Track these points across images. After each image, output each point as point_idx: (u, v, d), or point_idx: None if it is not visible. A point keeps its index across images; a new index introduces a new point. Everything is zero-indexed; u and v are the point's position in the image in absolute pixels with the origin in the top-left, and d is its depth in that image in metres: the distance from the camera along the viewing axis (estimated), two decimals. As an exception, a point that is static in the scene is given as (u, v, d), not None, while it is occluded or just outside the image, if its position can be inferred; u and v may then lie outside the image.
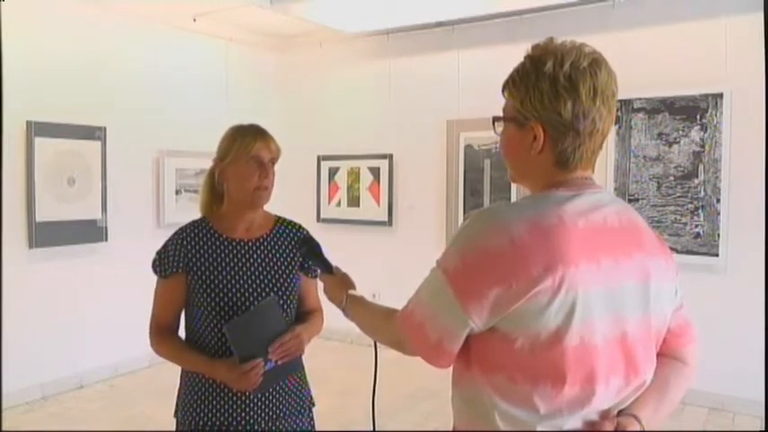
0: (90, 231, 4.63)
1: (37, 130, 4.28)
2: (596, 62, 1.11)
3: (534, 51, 1.14)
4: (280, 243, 1.87)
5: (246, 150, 1.77)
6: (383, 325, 1.30)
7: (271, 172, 1.81)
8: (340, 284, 1.54)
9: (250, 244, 1.83)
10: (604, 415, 1.09)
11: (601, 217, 1.10)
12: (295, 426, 1.84)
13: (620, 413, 1.11)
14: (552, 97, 1.09)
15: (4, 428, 3.70)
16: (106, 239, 4.71)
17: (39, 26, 4.34)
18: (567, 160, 1.12)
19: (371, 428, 1.51)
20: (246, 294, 1.77)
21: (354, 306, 1.45)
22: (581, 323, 1.03)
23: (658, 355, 1.18)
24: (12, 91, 3.40)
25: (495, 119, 1.19)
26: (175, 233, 1.84)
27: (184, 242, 1.80)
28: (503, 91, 1.18)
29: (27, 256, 4.29)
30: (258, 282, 1.80)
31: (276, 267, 1.83)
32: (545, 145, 1.12)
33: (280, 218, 1.94)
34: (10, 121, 4.05)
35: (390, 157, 5.64)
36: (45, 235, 4.34)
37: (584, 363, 1.04)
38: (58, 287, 4.46)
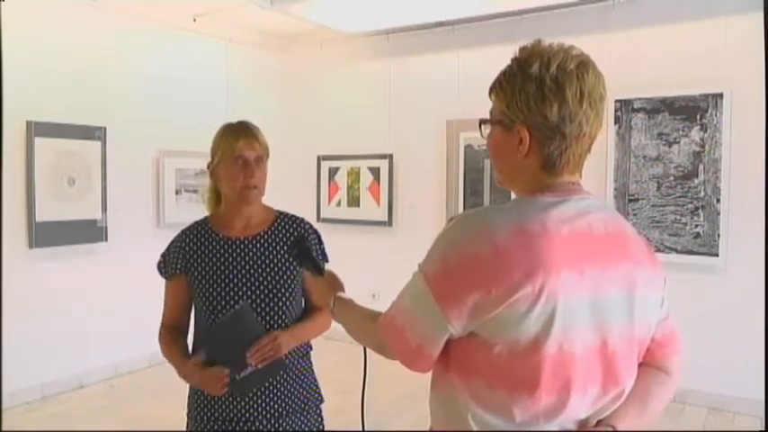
0: (90, 231, 4.63)
1: (37, 130, 4.28)
2: (583, 64, 1.09)
3: (521, 54, 1.12)
4: (279, 238, 1.86)
5: (230, 150, 1.77)
6: (367, 328, 1.29)
7: (257, 170, 1.80)
8: (329, 286, 1.53)
9: (246, 242, 1.83)
10: (582, 424, 1.08)
11: (586, 224, 1.08)
12: (301, 423, 1.84)
13: (598, 423, 1.10)
14: (538, 100, 1.07)
15: (4, 428, 3.70)
16: (106, 239, 4.71)
17: (39, 26, 4.34)
18: (554, 164, 1.11)
19: (361, 428, 1.51)
20: (244, 292, 1.78)
21: (341, 308, 1.43)
22: (560, 331, 1.01)
23: (642, 364, 1.16)
24: (12, 91, 3.40)
25: (482, 121, 1.18)
26: (177, 235, 1.87)
27: (183, 244, 1.83)
28: (489, 94, 1.16)
29: (27, 256, 4.29)
30: (255, 279, 1.80)
31: (275, 263, 1.82)
32: (531, 148, 1.10)
33: (281, 213, 1.92)
34: (10, 121, 4.05)
35: (390, 157, 5.64)
36: (45, 235, 4.34)
37: (561, 371, 1.03)
38: (58, 287, 4.46)
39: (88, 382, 4.64)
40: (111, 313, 4.67)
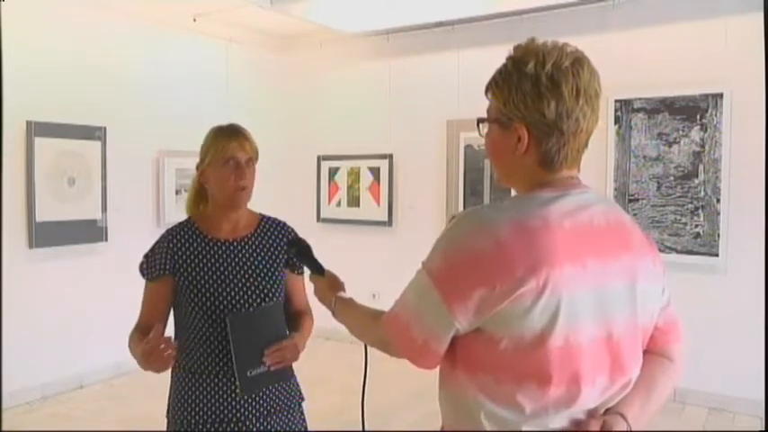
0: (90, 231, 4.63)
1: (37, 130, 4.28)
2: (578, 61, 1.11)
3: (516, 52, 1.13)
4: (265, 241, 1.89)
5: (222, 152, 1.78)
6: (370, 327, 1.30)
7: (248, 172, 1.81)
8: (330, 286, 1.55)
9: (235, 243, 1.85)
10: (591, 414, 1.09)
11: (587, 217, 1.09)
12: (287, 421, 1.85)
13: (606, 411, 1.12)
14: (535, 98, 1.08)
15: (4, 428, 3.70)
16: (106, 239, 4.71)
17: (39, 26, 4.34)
18: (552, 160, 1.12)
19: (362, 428, 1.51)
20: (233, 294, 1.78)
21: (343, 308, 1.45)
22: (566, 324, 1.03)
23: (645, 352, 1.18)
24: (12, 91, 3.40)
25: (480, 120, 1.20)
26: (162, 236, 1.86)
27: (170, 245, 1.82)
28: (486, 93, 1.18)
29: (27, 256, 4.29)
30: (244, 281, 1.81)
31: (262, 266, 1.84)
32: (529, 145, 1.11)
33: (264, 216, 1.95)
34: (10, 121, 4.05)
35: (390, 157, 5.64)
36: (45, 235, 4.34)
37: (569, 363, 1.04)
38: (58, 287, 4.46)
39: (88, 382, 4.64)
40: (111, 313, 4.66)
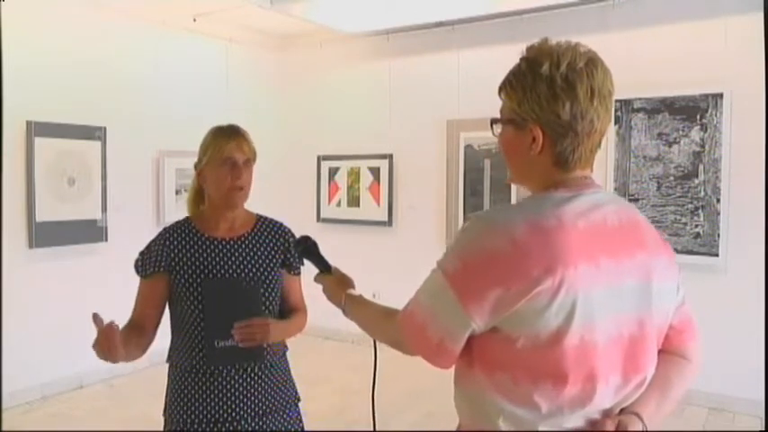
0: (90, 231, 4.63)
1: (37, 130, 4.28)
2: (592, 62, 1.11)
3: (529, 53, 1.13)
4: (261, 241, 1.89)
5: (219, 152, 1.80)
6: (383, 324, 1.30)
7: (245, 173, 1.82)
8: (339, 284, 1.54)
9: (232, 242, 1.85)
10: (606, 413, 1.10)
11: (601, 217, 1.10)
12: (283, 421, 1.86)
13: (622, 411, 1.12)
14: (550, 99, 1.09)
15: (4, 428, 3.70)
16: (106, 239, 4.71)
17: (39, 26, 4.34)
18: (567, 160, 1.13)
19: (372, 428, 1.50)
20: None
21: (354, 305, 1.45)
22: (581, 323, 1.03)
23: (661, 351, 1.18)
24: (12, 91, 3.40)
25: (494, 120, 1.20)
26: (159, 234, 1.87)
27: (167, 242, 1.83)
28: (499, 93, 1.18)
29: (27, 256, 4.29)
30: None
31: (258, 265, 1.85)
32: (544, 146, 1.12)
33: (261, 216, 1.96)
34: (10, 121, 4.05)
35: (390, 157, 5.64)
36: (45, 235, 4.34)
37: (584, 362, 1.05)
38: (58, 287, 4.46)
39: (88, 382, 4.64)
40: (112, 313, 4.65)
